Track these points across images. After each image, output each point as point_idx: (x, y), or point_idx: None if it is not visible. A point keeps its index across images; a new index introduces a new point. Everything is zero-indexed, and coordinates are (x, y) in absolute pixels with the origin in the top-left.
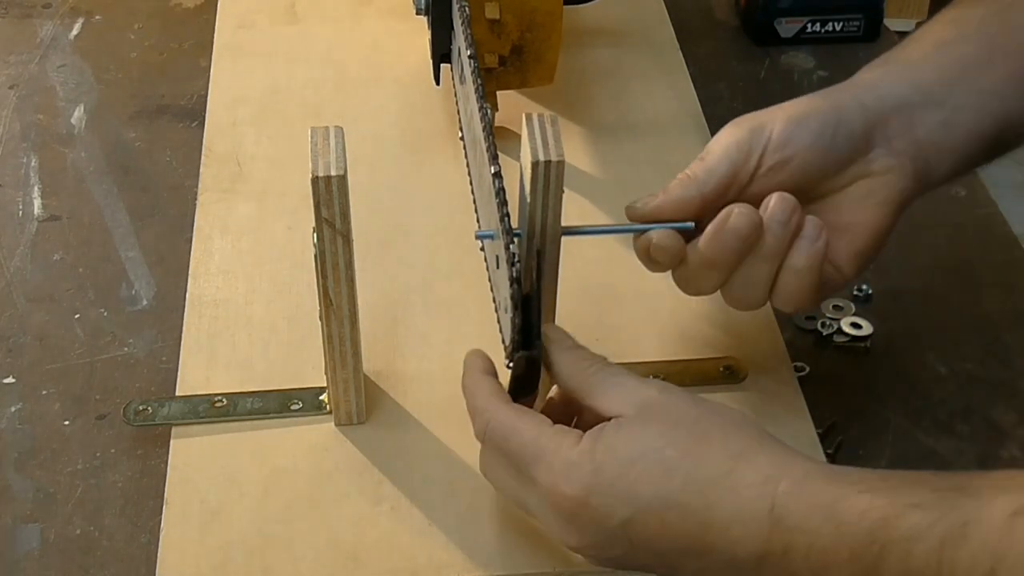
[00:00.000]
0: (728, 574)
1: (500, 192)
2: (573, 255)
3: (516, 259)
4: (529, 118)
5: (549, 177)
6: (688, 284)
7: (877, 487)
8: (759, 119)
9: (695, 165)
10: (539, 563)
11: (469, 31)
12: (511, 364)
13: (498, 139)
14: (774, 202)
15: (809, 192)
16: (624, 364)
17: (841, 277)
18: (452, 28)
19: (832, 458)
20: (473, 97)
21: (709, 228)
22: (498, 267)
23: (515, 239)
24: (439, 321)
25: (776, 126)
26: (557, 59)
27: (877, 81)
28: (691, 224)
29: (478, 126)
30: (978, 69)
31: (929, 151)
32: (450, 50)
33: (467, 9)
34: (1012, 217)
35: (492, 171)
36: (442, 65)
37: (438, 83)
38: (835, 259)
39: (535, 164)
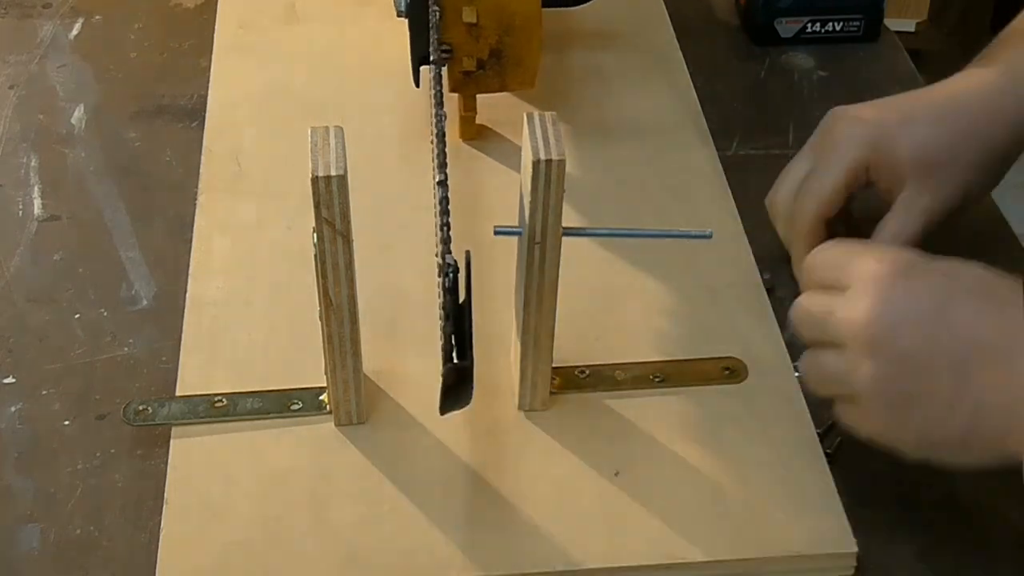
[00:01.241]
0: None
1: (443, 201)
2: (573, 255)
3: (449, 269)
4: (530, 117)
5: (550, 176)
6: None
7: None
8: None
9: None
10: (539, 563)
11: (437, 36)
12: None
13: (481, 140)
14: None
15: None
16: (624, 364)
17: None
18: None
19: (832, 458)
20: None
21: None
22: (438, 275)
23: (449, 249)
24: (439, 321)
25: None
26: (538, 63)
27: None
28: (709, 232)
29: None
30: None
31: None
32: (428, 52)
33: (437, 14)
34: (1012, 217)
35: (437, 179)
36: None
37: (418, 85)
38: None
39: (536, 163)
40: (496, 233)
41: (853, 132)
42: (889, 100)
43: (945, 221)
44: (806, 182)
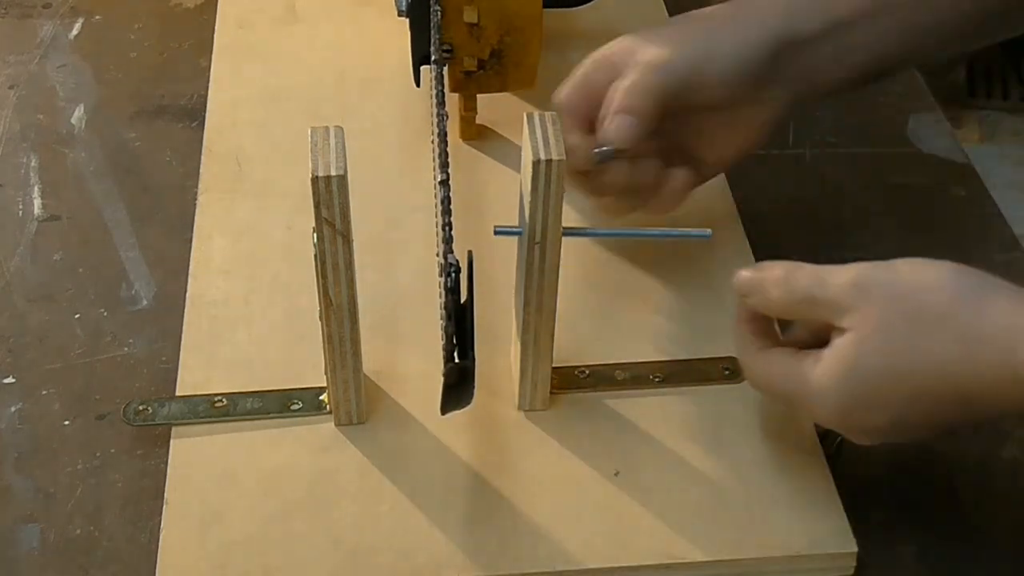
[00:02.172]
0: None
1: (445, 200)
2: (573, 255)
3: (451, 269)
4: (530, 117)
5: (550, 176)
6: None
7: None
8: (682, 60)
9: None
10: (539, 563)
11: (438, 36)
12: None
13: (481, 140)
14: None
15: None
16: (624, 364)
17: (700, 178)
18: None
19: (832, 458)
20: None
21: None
22: (439, 275)
23: (451, 248)
24: (439, 321)
25: (698, 67)
26: (537, 63)
27: (792, 9)
28: (708, 232)
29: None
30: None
31: (816, 84)
32: (430, 52)
33: (438, 13)
34: (1012, 217)
35: (439, 179)
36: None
37: (418, 84)
38: (700, 164)
39: (536, 163)
40: (496, 233)
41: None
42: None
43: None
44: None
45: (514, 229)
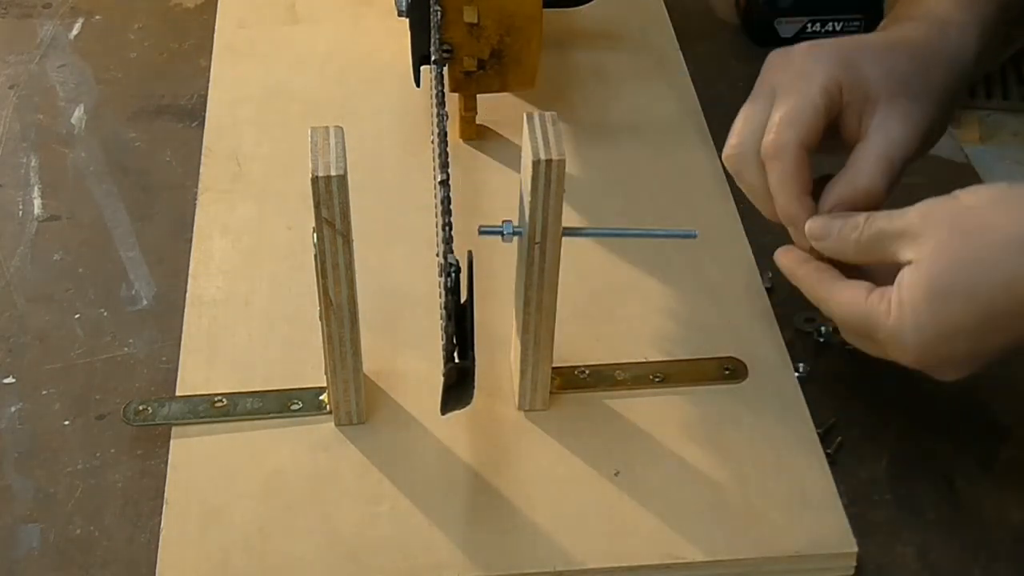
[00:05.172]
0: None
1: (445, 200)
2: (573, 255)
3: (451, 269)
4: (530, 117)
5: (550, 176)
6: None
7: None
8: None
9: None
10: (539, 563)
11: (438, 36)
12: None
13: (481, 140)
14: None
15: None
16: (624, 364)
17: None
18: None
19: (832, 458)
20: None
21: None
22: (439, 275)
23: (451, 248)
24: (439, 321)
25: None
26: (538, 63)
27: (957, 36)
28: (694, 232)
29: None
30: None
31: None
32: (430, 52)
33: (438, 13)
34: None
35: (439, 179)
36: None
37: (418, 84)
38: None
39: (536, 163)
40: (481, 233)
41: (819, 54)
42: (830, 40)
43: (913, 165)
44: (775, 116)
45: (497, 228)
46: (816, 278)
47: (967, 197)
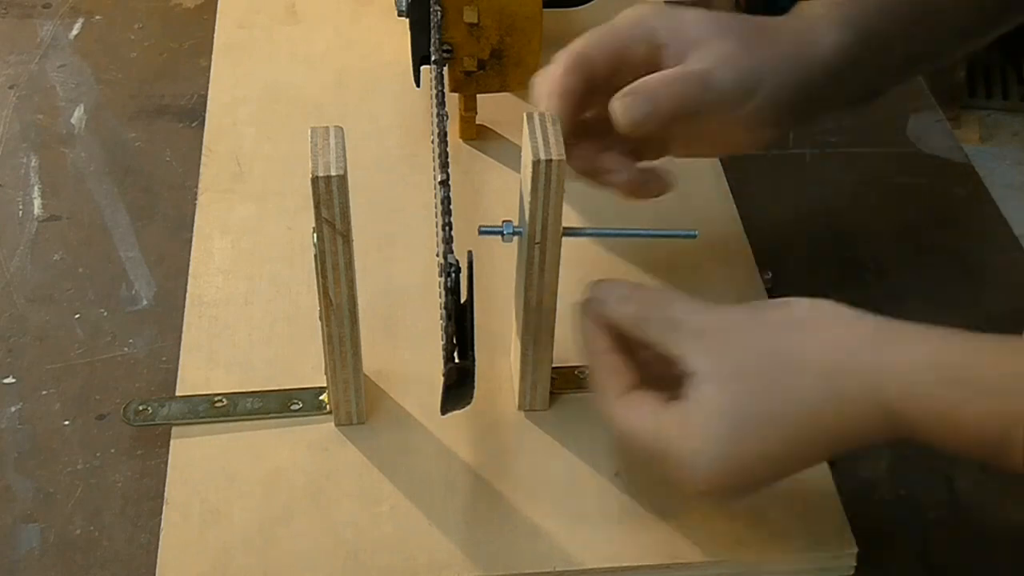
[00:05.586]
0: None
1: (445, 200)
2: (573, 255)
3: (451, 269)
4: (530, 117)
5: (550, 176)
6: None
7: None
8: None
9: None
10: (539, 563)
11: (438, 36)
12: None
13: (481, 140)
14: None
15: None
16: None
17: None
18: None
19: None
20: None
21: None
22: (439, 275)
23: (451, 248)
24: (439, 321)
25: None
26: (538, 63)
27: (817, 36)
28: (694, 232)
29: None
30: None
31: (811, 108)
32: (430, 52)
33: (438, 13)
34: (1012, 217)
35: (439, 179)
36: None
37: (418, 84)
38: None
39: (536, 163)
40: (481, 233)
41: (655, 6)
42: None
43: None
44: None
45: (497, 228)
46: (608, 373)
47: (762, 312)
